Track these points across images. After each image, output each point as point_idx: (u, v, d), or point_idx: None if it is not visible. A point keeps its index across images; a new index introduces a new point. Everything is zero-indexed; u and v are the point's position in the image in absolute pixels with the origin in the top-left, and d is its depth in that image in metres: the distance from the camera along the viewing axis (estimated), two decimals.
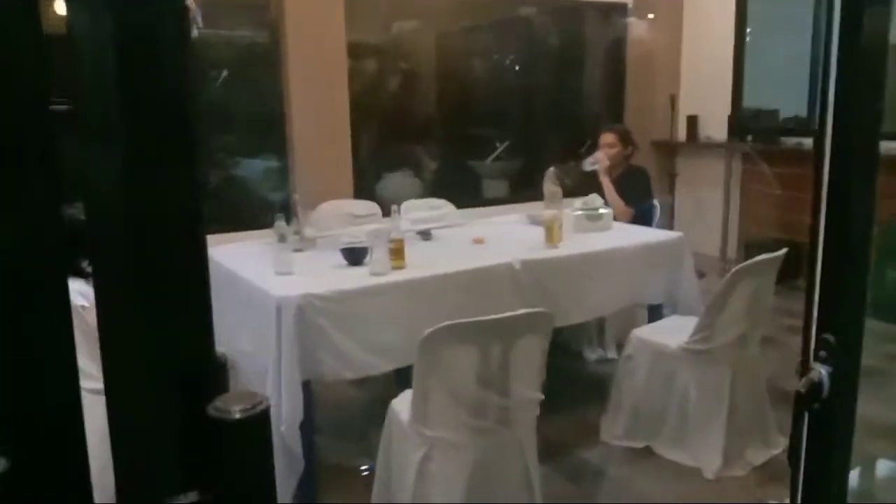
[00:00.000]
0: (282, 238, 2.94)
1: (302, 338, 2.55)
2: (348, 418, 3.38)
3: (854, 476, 3.00)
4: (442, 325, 2.09)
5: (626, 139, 4.23)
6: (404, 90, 7.38)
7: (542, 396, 2.32)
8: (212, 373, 0.59)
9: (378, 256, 2.91)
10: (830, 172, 0.88)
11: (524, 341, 2.21)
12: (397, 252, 2.95)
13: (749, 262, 2.85)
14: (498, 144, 7.04)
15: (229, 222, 5.96)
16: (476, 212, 5.46)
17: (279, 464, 2.56)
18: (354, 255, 3.06)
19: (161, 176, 0.54)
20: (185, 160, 0.56)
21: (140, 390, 0.58)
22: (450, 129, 7.51)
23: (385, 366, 2.80)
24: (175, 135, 0.54)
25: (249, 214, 6.28)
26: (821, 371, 0.91)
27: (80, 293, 2.52)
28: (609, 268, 3.34)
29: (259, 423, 0.56)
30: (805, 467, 0.94)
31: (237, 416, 0.55)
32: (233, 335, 3.01)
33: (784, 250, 2.97)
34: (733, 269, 2.83)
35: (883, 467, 2.57)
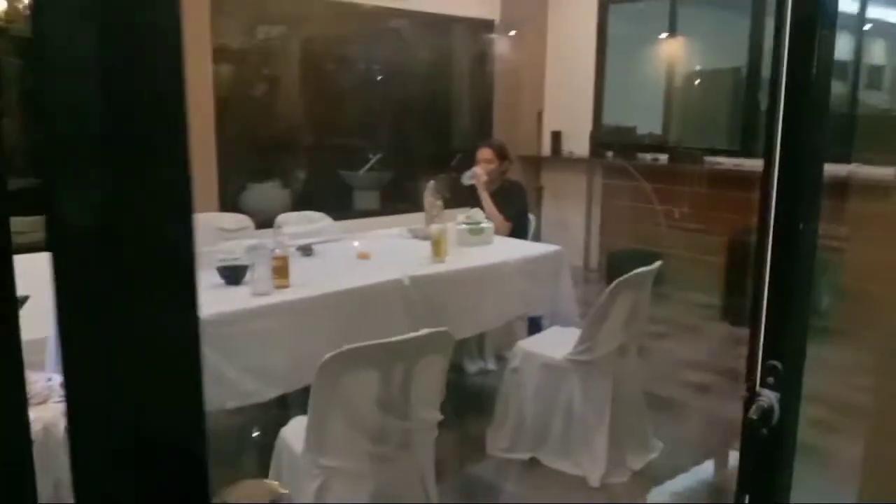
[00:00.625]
0: None
1: None
2: (228, 450, 3.18)
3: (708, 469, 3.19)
4: (343, 349, 2.01)
5: (502, 154, 4.30)
6: (271, 97, 7.15)
7: (442, 416, 2.28)
8: (203, 454, 0.51)
9: (260, 275, 2.76)
10: (778, 198, 0.90)
11: (425, 361, 2.16)
12: (281, 270, 2.81)
13: (629, 274, 2.96)
14: (370, 155, 6.97)
15: None
16: (350, 224, 5.37)
17: None
18: (233, 274, 2.90)
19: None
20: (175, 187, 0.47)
21: (112, 478, 0.48)
22: (319, 139, 7.36)
23: (270, 392, 2.66)
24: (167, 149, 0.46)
25: None
26: (770, 397, 0.92)
27: None
28: (494, 281, 3.37)
29: None
30: (753, 490, 0.96)
31: None
32: None
33: (658, 263, 3.11)
34: (615, 282, 2.93)
35: None
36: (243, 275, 2.89)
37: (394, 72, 7.05)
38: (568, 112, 6.92)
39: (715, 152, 5.95)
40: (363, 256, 3.36)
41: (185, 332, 0.50)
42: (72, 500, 0.46)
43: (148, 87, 0.45)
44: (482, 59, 7.29)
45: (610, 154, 6.54)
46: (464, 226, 3.67)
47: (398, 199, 6.79)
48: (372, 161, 7.02)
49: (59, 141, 0.45)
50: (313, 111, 7.45)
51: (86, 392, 0.47)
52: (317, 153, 7.27)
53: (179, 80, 0.47)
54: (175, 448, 0.49)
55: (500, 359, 3.97)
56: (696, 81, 6.62)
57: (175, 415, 0.49)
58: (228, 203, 5.64)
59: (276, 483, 0.64)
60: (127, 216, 0.46)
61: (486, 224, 3.75)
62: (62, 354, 0.47)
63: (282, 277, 2.80)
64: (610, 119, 6.79)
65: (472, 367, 4.05)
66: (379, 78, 7.25)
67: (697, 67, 6.55)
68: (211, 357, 2.44)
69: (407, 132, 7.26)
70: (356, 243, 3.67)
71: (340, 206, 6.51)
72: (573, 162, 6.78)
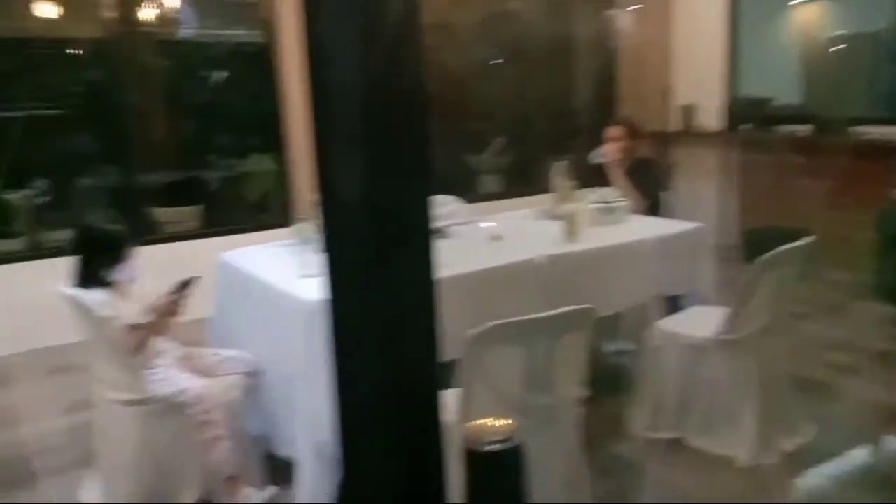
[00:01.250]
0: (304, 240, 2.88)
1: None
2: None
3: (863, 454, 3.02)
4: (489, 324, 2.06)
5: (632, 130, 4.21)
6: None
7: (586, 393, 2.29)
8: (437, 393, 0.55)
9: None
10: None
11: (568, 338, 2.18)
12: None
13: (776, 251, 2.84)
14: (494, 139, 7.00)
15: (226, 223, 5.88)
16: (476, 207, 5.42)
17: (315, 470, 2.51)
18: None
19: (398, 183, 0.50)
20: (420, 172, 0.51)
21: (369, 410, 0.54)
22: (442, 125, 7.46)
23: None
24: (411, 139, 0.50)
25: (248, 215, 6.21)
26: None
27: (104, 303, 2.44)
28: (630, 261, 3.32)
29: (512, 457, 0.51)
30: None
31: (489, 447, 0.51)
32: (252, 339, 2.95)
33: (809, 239, 2.96)
34: (761, 259, 2.82)
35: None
36: None
37: (514, 54, 7.03)
38: (698, 85, 6.66)
39: (861, 121, 5.55)
40: (496, 238, 3.40)
41: (424, 293, 0.55)
42: None
43: (395, 86, 0.50)
44: (604, 35, 7.14)
45: (745, 127, 6.24)
46: (596, 205, 3.64)
47: (523, 181, 6.78)
48: (495, 144, 7.04)
49: (330, 132, 0.51)
50: (435, 97, 7.56)
51: (348, 342, 0.53)
52: (440, 138, 7.39)
53: (421, 79, 0.51)
54: (413, 393, 0.54)
55: (637, 339, 3.90)
56: (837, 47, 6.18)
57: (415, 364, 0.54)
58: None
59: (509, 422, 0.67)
60: (378, 194, 0.50)
61: (619, 203, 3.70)
62: (331, 309, 0.53)
63: None
64: (744, 90, 6.47)
65: (608, 347, 4.02)
66: (500, 61, 7.26)
67: (838, 32, 6.11)
68: None
69: (530, 114, 7.23)
70: (487, 225, 3.71)
71: (465, 190, 6.56)
72: (705, 136, 6.53)
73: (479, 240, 3.43)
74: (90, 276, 2.61)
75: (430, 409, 0.55)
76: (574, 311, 2.15)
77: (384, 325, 0.53)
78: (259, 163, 6.38)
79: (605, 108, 6.82)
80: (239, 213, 6.22)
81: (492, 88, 7.16)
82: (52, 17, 5.88)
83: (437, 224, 3.61)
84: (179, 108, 6.39)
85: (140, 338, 2.58)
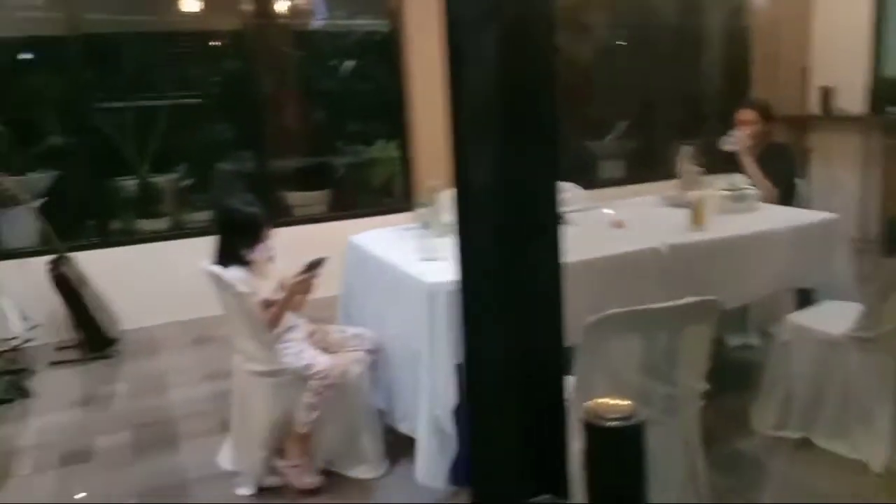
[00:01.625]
0: (426, 224, 2.96)
1: (454, 323, 2.57)
2: None
3: None
4: (608, 312, 2.05)
5: (765, 114, 4.02)
6: None
7: (707, 387, 2.24)
8: (562, 375, 0.58)
9: None
10: None
11: (690, 330, 2.14)
12: None
13: None
14: (616, 124, 6.86)
15: (352, 207, 6.11)
16: (597, 193, 5.34)
17: (433, 446, 2.60)
18: None
19: (529, 172, 0.54)
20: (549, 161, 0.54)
21: (497, 388, 0.58)
22: (562, 109, 7.38)
23: None
24: (541, 127, 0.53)
25: (372, 199, 6.42)
26: None
27: (242, 280, 2.62)
28: (759, 251, 3.19)
29: (634, 434, 0.54)
30: None
31: (611, 423, 0.54)
32: (378, 319, 3.07)
33: None
34: None
35: None
36: None
37: (639, 35, 6.84)
38: (838, 66, 6.24)
39: None
40: (617, 225, 3.36)
41: (552, 277, 0.58)
42: None
43: (529, 79, 0.53)
44: (736, 14, 6.81)
45: (891, 110, 5.80)
46: (725, 192, 3.51)
47: (646, 166, 6.61)
48: (618, 129, 6.90)
49: (465, 123, 0.55)
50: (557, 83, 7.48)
51: (478, 322, 0.57)
52: (560, 124, 7.32)
53: (553, 71, 0.54)
54: (539, 373, 0.58)
55: (765, 333, 3.76)
56: None
57: (542, 345, 0.58)
58: None
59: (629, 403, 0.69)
60: (510, 180, 0.54)
61: (749, 190, 3.55)
62: (462, 290, 0.57)
63: None
64: (889, 70, 6.01)
65: (733, 340, 3.88)
66: (623, 43, 7.08)
67: None
68: None
69: (654, 98, 7.02)
70: (609, 211, 3.66)
71: (586, 175, 6.48)
72: (846, 120, 6.12)
73: (600, 227, 3.40)
74: (230, 255, 2.81)
75: (555, 389, 0.58)
76: (697, 303, 2.11)
77: (513, 306, 0.56)
78: (383, 149, 6.57)
79: (736, 90, 6.52)
80: (363, 198, 6.44)
81: (615, 71, 7.00)
82: (195, 12, 6.28)
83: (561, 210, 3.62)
84: (310, 96, 6.67)
85: (274, 313, 2.75)
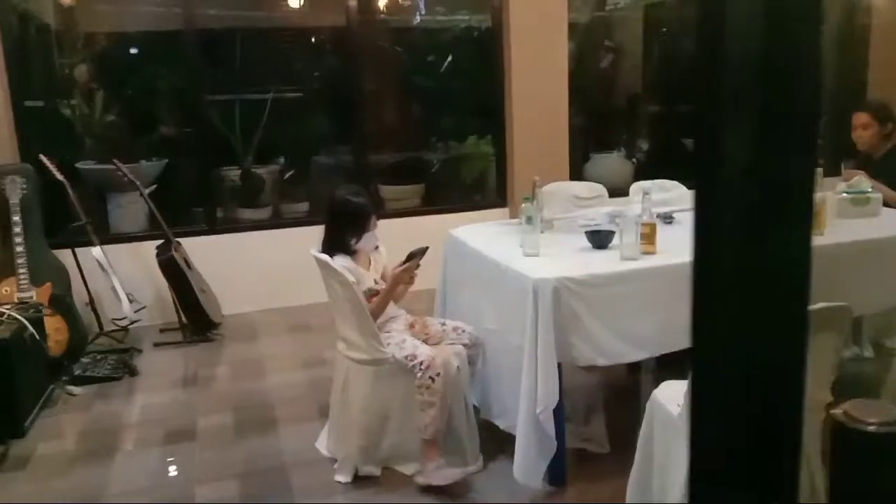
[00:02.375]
0: (529, 219, 2.92)
1: (558, 321, 2.52)
2: (587, 403, 3.31)
3: None
4: None
5: (885, 116, 3.79)
6: (613, 68, 7.17)
7: (831, 398, 2.11)
8: (803, 371, 0.54)
9: (627, 240, 2.81)
10: None
11: (819, 337, 2.02)
12: (649, 236, 2.83)
13: None
14: None
15: (444, 202, 6.12)
16: None
17: (532, 445, 2.56)
18: (599, 239, 2.99)
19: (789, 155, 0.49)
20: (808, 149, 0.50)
21: (727, 389, 0.53)
22: (662, 108, 7.19)
23: (637, 354, 2.72)
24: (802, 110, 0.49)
25: (464, 195, 6.42)
26: None
27: (348, 269, 2.65)
28: (882, 259, 3.00)
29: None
30: None
31: (872, 428, 0.49)
32: (476, 313, 3.05)
33: None
34: None
35: None
36: (610, 240, 2.96)
37: (743, 31, 6.57)
38: None
39: None
40: None
41: (801, 268, 0.53)
42: None
43: (793, 59, 0.48)
44: (851, 13, 6.46)
45: None
46: (845, 195, 3.32)
47: None
48: None
49: (720, 102, 0.50)
50: (655, 80, 7.29)
51: (713, 309, 0.53)
52: (659, 122, 7.12)
53: (818, 51, 0.49)
54: (776, 367, 0.53)
55: (881, 346, 3.54)
56: None
57: (781, 336, 0.53)
58: (574, 173, 5.77)
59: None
60: (769, 164, 0.49)
61: (871, 195, 3.35)
62: (694, 272, 0.53)
63: (649, 243, 2.82)
64: None
65: (844, 352, 3.67)
66: None
67: None
68: (584, 315, 2.57)
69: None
70: None
71: (686, 175, 6.25)
72: None
73: None
74: (337, 243, 2.85)
75: (794, 386, 0.54)
76: (828, 309, 1.99)
77: (756, 293, 0.52)
78: (475, 145, 6.56)
79: (853, 91, 6.18)
80: (456, 193, 6.44)
81: (718, 70, 6.74)
82: (300, 8, 6.44)
83: (664, 209, 3.51)
84: (407, 92, 6.73)
85: (378, 302, 2.78)
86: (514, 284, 2.71)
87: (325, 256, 2.77)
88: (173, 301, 4.50)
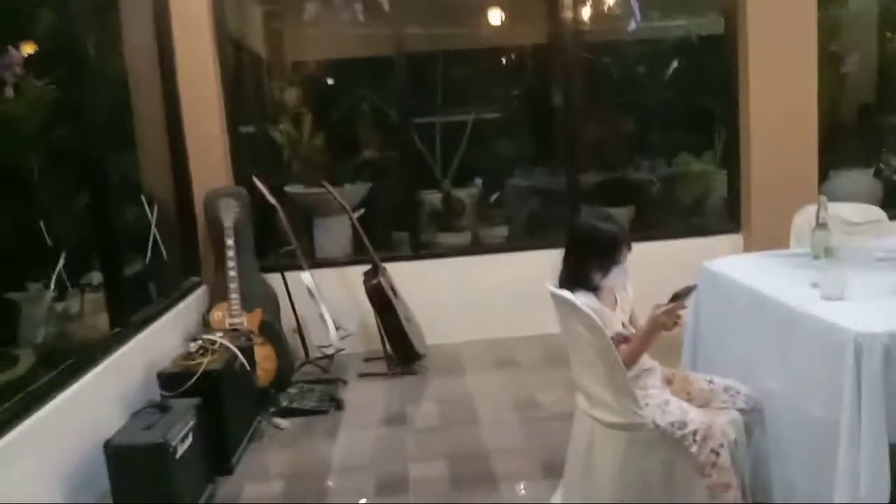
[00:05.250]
0: (826, 251, 2.31)
1: (890, 390, 1.90)
2: None
3: None
4: None
5: None
6: (855, 77, 6.20)
7: None
8: None
9: None
10: None
11: None
12: None
13: None
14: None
15: (666, 227, 5.51)
16: None
17: None
18: None
19: None
20: None
21: None
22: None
23: None
24: None
25: (679, 218, 5.78)
26: None
27: (594, 309, 2.18)
28: None
29: None
30: None
31: None
32: (747, 367, 2.47)
33: None
34: None
35: None
36: None
37: None
38: None
39: None
40: None
41: None
42: None
43: None
44: None
45: None
46: None
47: None
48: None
49: None
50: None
51: None
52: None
53: None
54: None
55: None
56: None
57: None
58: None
59: None
60: None
61: None
62: None
63: None
64: None
65: None
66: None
67: None
68: None
69: None
70: None
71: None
72: None
73: None
74: (579, 277, 2.40)
75: None
76: None
77: None
78: (693, 162, 5.90)
79: None
80: (672, 216, 5.81)
81: None
82: (501, 26, 6.17)
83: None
84: (615, 107, 6.22)
85: (632, 351, 2.29)
86: (813, 336, 2.11)
87: (566, 294, 2.32)
88: (378, 329, 4.28)
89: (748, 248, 4.69)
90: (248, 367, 3.39)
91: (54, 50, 3.42)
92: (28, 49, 3.80)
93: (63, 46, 3.23)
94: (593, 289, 2.40)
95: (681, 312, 2.28)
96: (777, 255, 2.81)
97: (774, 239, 3.53)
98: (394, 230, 5.30)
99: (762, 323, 2.40)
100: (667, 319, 2.24)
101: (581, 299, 2.34)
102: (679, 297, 2.26)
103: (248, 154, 4.84)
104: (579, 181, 5.17)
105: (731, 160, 4.94)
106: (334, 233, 5.15)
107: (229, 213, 4.02)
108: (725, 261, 2.84)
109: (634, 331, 2.40)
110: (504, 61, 6.77)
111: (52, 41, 3.47)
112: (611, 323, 2.36)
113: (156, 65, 4.24)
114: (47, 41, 3.71)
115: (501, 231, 5.90)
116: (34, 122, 3.49)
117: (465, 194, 5.95)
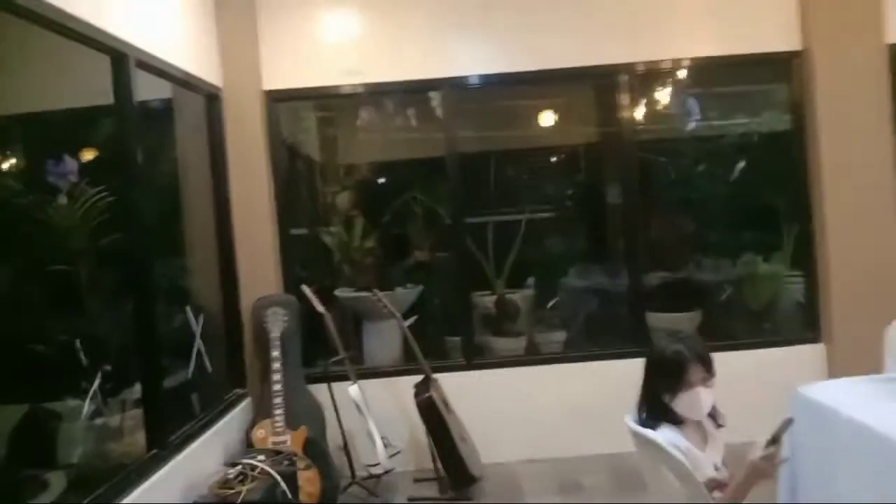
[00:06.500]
0: None
1: None
2: None
3: None
4: None
5: None
6: None
7: None
8: None
9: None
10: None
11: None
12: None
13: None
14: None
15: (734, 334, 5.16)
16: None
17: None
18: None
19: None
20: None
21: None
22: None
23: None
24: None
25: (748, 325, 5.41)
26: None
27: (679, 449, 1.89)
28: None
29: None
30: None
31: None
32: None
33: None
34: None
35: None
36: None
37: None
38: None
39: None
40: None
41: None
42: None
43: None
44: None
45: None
46: None
47: None
48: None
49: None
50: None
51: None
52: None
53: None
54: None
55: None
56: None
57: None
58: None
59: None
60: None
61: None
62: None
63: None
64: None
65: None
66: None
67: None
68: None
69: None
70: None
71: None
72: None
73: None
74: (655, 406, 2.13)
75: None
76: None
77: None
78: (757, 264, 5.58)
79: None
80: (740, 322, 5.44)
81: None
82: (554, 126, 6.11)
83: None
84: (674, 206, 6.00)
85: (725, 501, 1.97)
86: None
87: (649, 433, 2.05)
88: (430, 447, 3.98)
89: (832, 359, 4.31)
90: (290, 495, 3.13)
91: (110, 157, 3.39)
92: (86, 156, 3.81)
93: (118, 153, 3.18)
94: (677, 421, 2.12)
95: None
96: (887, 379, 2.48)
97: (864, 350, 3.20)
98: (446, 335, 5.07)
99: (877, 462, 2.07)
100: (767, 465, 1.93)
101: (665, 436, 2.06)
102: (777, 437, 1.96)
103: (299, 258, 4.73)
104: (642, 282, 4.89)
105: (806, 262, 4.62)
106: (385, 338, 4.95)
107: (277, 323, 3.86)
108: (822, 387, 2.52)
109: (728, 474, 2.09)
110: (556, 160, 6.68)
111: (109, 149, 3.46)
112: (700, 465, 2.06)
113: (208, 169, 4.21)
114: (104, 149, 3.71)
115: (559, 335, 5.61)
116: (85, 233, 3.44)
117: (519, 296, 5.72)
